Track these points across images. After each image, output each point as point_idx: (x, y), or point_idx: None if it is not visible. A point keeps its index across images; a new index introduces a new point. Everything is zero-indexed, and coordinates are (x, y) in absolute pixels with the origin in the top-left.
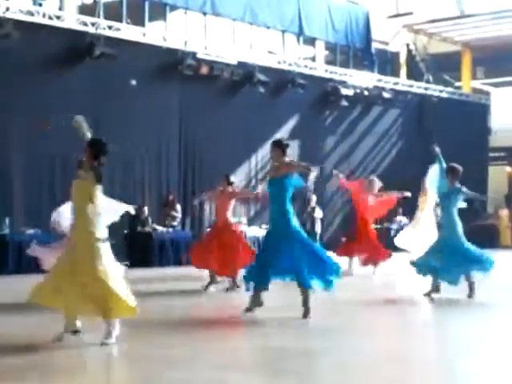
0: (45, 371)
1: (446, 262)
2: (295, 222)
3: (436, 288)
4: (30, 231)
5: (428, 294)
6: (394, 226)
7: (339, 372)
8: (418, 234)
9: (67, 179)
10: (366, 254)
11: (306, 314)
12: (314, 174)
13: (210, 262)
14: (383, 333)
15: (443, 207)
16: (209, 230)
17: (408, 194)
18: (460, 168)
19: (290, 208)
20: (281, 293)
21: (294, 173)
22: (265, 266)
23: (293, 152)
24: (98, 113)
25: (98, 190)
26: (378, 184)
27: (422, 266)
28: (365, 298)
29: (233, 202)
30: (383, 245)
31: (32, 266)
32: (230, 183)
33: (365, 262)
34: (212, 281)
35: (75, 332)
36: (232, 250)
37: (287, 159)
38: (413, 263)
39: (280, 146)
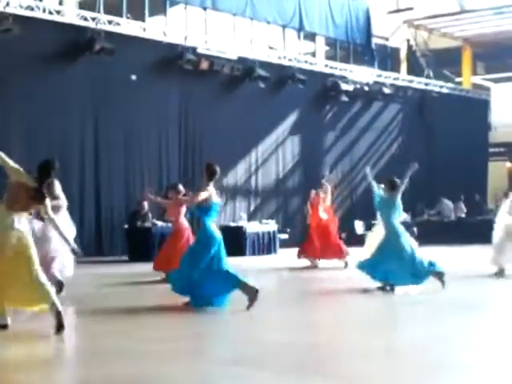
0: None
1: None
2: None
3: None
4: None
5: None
6: None
7: (345, 364)
8: None
9: (66, 174)
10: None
11: None
12: None
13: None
14: (377, 327)
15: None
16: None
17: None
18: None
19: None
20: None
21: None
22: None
23: (293, 147)
24: (98, 107)
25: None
26: (329, 188)
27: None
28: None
29: (183, 208)
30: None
31: None
32: (178, 192)
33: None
34: None
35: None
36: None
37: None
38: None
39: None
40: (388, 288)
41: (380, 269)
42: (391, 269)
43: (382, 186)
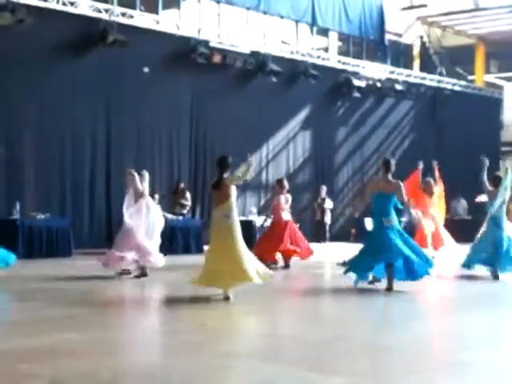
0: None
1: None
2: None
3: None
4: (41, 216)
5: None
6: (404, 219)
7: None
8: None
9: (77, 165)
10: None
11: None
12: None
13: None
14: (386, 322)
15: None
16: None
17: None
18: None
19: None
20: None
21: None
22: None
23: (304, 142)
24: (109, 99)
25: None
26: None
27: None
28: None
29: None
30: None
31: (42, 251)
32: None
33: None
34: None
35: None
36: None
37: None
38: None
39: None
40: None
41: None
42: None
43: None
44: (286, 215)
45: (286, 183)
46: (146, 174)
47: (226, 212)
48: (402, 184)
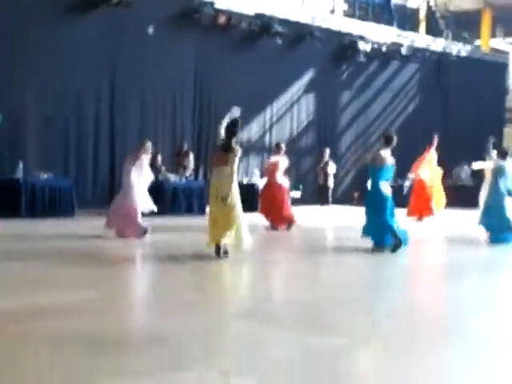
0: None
1: None
2: None
3: None
4: (44, 175)
5: None
6: (407, 183)
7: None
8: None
9: (80, 124)
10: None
11: None
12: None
13: None
14: (388, 287)
15: None
16: None
17: None
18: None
19: None
20: None
21: None
22: None
23: (308, 105)
24: (113, 60)
25: None
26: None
27: None
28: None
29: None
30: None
31: (45, 210)
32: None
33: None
34: None
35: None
36: None
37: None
38: None
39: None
40: None
41: None
42: None
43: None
44: (281, 178)
45: (283, 146)
46: (149, 144)
47: (228, 172)
48: (386, 164)
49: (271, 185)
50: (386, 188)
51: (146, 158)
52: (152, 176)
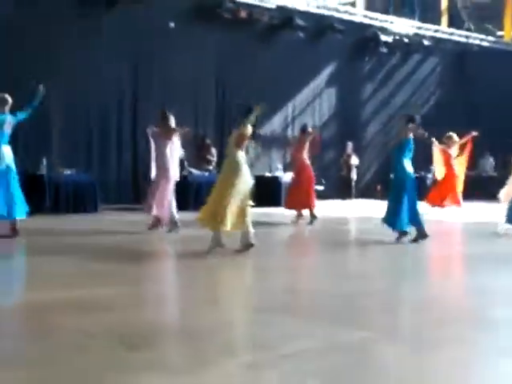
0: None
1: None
2: None
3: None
4: (67, 171)
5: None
6: (430, 175)
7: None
8: None
9: (104, 121)
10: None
11: None
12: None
13: None
14: (413, 277)
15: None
16: None
17: None
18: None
19: None
20: None
21: None
22: None
23: (330, 98)
24: (136, 54)
25: None
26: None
27: None
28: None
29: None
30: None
31: (69, 206)
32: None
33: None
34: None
35: None
36: None
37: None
38: None
39: None
40: None
41: None
42: None
43: None
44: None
45: (310, 130)
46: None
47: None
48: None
49: (300, 167)
50: (409, 167)
51: (177, 141)
52: (182, 152)
